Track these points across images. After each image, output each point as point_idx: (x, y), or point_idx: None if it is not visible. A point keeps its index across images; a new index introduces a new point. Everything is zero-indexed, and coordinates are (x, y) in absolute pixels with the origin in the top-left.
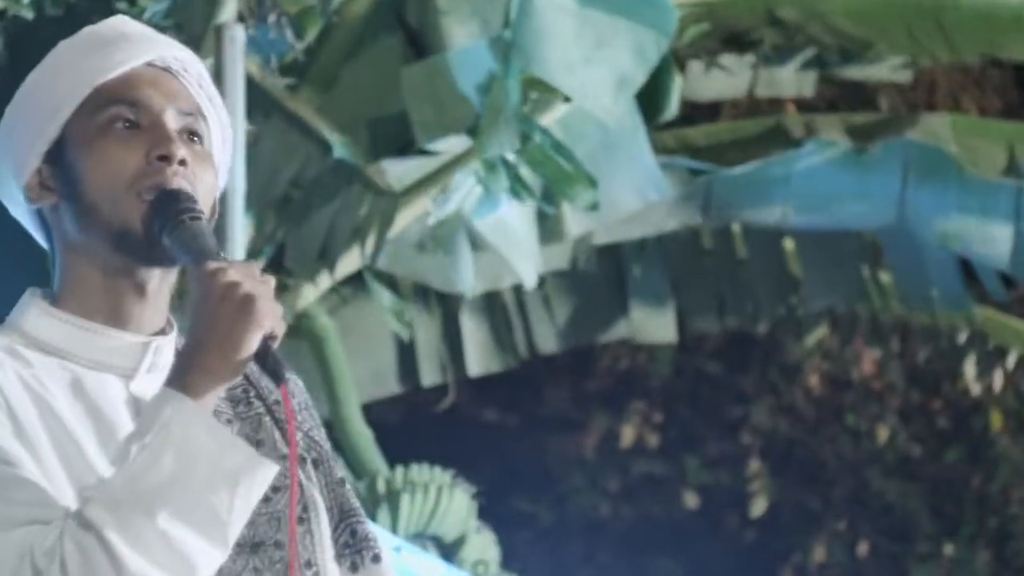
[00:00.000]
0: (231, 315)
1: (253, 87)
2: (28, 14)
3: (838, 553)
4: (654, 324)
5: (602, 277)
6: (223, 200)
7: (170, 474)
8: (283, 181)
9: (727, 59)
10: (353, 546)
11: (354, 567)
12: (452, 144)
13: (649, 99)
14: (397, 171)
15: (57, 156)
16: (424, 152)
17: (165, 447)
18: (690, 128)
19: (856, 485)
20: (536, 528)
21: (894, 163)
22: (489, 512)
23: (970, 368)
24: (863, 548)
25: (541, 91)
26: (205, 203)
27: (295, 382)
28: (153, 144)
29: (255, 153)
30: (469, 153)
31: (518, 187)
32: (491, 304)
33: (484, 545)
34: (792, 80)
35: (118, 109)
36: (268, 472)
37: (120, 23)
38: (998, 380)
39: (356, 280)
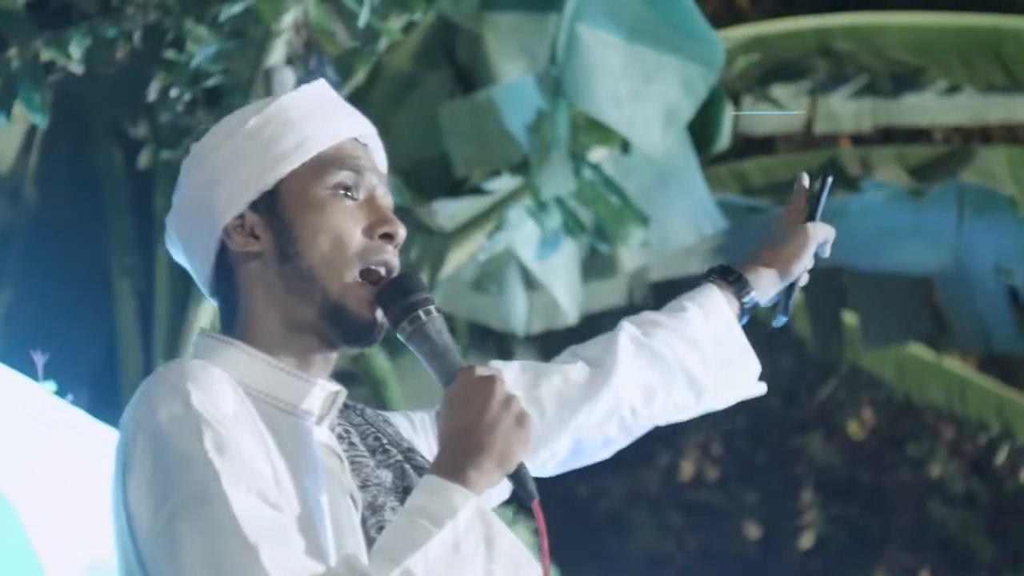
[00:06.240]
0: (510, 428)
1: None
2: (78, 70)
3: None
4: None
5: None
6: None
7: (476, 559)
8: None
9: (779, 91)
10: None
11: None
12: (503, 183)
13: (701, 132)
14: (449, 211)
15: (268, 208)
16: (476, 191)
17: (473, 538)
18: (744, 162)
19: (917, 515)
20: (601, 562)
21: (949, 201)
22: (552, 548)
23: None
24: None
25: (595, 137)
26: None
27: (364, 411)
28: (376, 221)
29: None
30: (520, 191)
31: (572, 225)
32: (547, 343)
33: None
34: (850, 115)
35: (344, 176)
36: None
37: (327, 91)
38: None
39: None
